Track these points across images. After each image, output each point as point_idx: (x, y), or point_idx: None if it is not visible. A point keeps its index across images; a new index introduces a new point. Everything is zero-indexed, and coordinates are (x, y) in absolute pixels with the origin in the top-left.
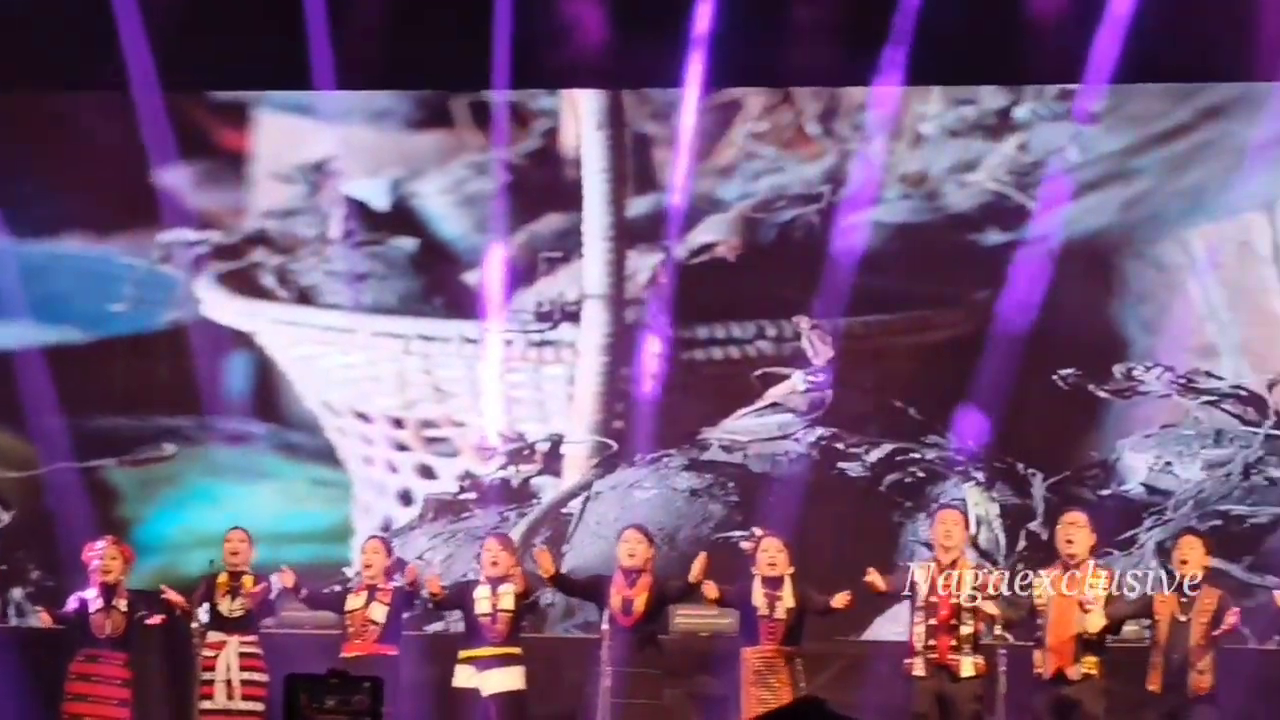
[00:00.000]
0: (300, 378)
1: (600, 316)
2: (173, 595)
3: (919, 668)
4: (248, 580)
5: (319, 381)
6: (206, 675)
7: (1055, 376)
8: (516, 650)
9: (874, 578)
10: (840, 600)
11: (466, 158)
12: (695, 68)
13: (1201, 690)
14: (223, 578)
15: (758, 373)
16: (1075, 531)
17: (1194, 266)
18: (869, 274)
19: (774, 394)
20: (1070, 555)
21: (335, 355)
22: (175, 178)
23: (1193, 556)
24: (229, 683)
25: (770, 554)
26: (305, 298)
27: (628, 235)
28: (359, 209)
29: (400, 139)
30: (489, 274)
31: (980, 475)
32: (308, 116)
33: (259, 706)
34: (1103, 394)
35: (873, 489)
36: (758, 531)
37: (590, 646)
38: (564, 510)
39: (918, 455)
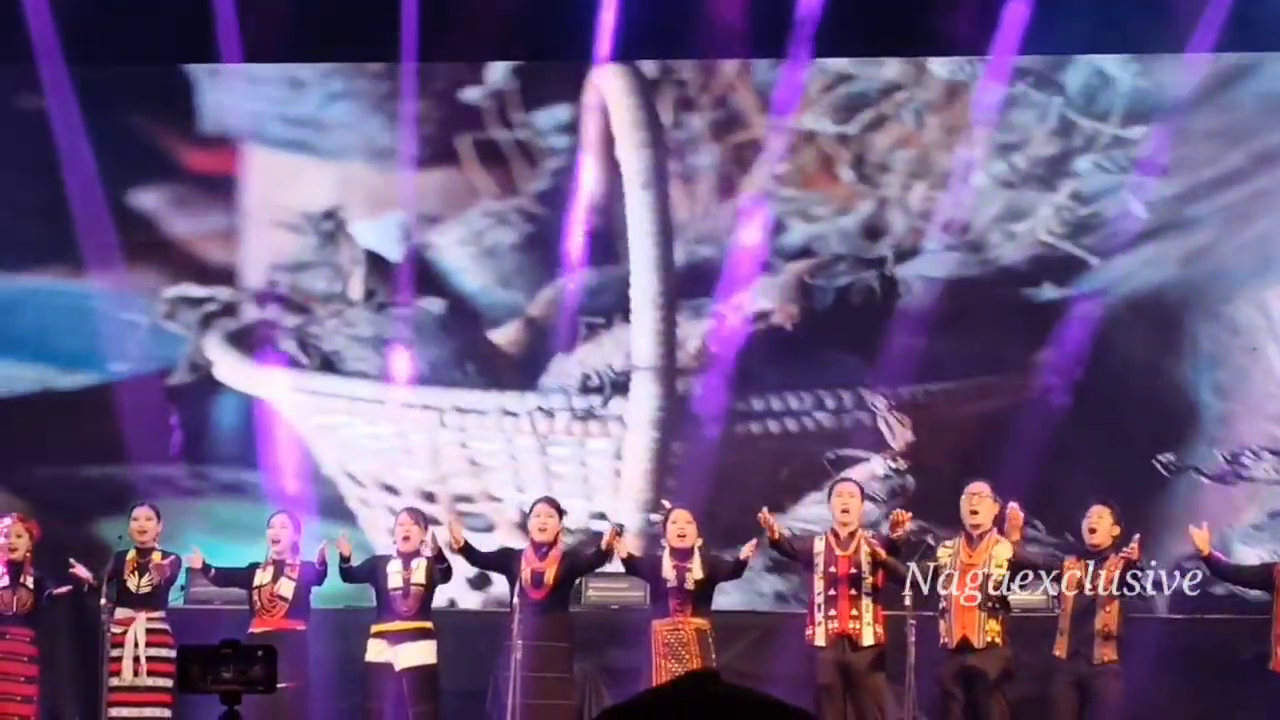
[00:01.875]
0: (321, 446)
1: (650, 388)
2: (80, 570)
3: (819, 638)
4: (156, 556)
5: (342, 451)
6: (114, 651)
7: (1155, 462)
8: (428, 624)
9: (766, 515)
10: (747, 550)
11: (483, 205)
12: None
13: (1107, 658)
14: (131, 554)
15: (830, 454)
16: (979, 502)
17: (1272, 329)
18: (921, 336)
19: None
20: (975, 525)
21: (360, 425)
22: (152, 205)
23: (1101, 527)
24: (137, 659)
25: (679, 526)
26: (328, 364)
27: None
28: (373, 260)
29: (404, 179)
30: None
31: None
32: (303, 154)
33: (167, 682)
34: (1206, 481)
35: None
36: (667, 504)
37: (501, 620)
38: None
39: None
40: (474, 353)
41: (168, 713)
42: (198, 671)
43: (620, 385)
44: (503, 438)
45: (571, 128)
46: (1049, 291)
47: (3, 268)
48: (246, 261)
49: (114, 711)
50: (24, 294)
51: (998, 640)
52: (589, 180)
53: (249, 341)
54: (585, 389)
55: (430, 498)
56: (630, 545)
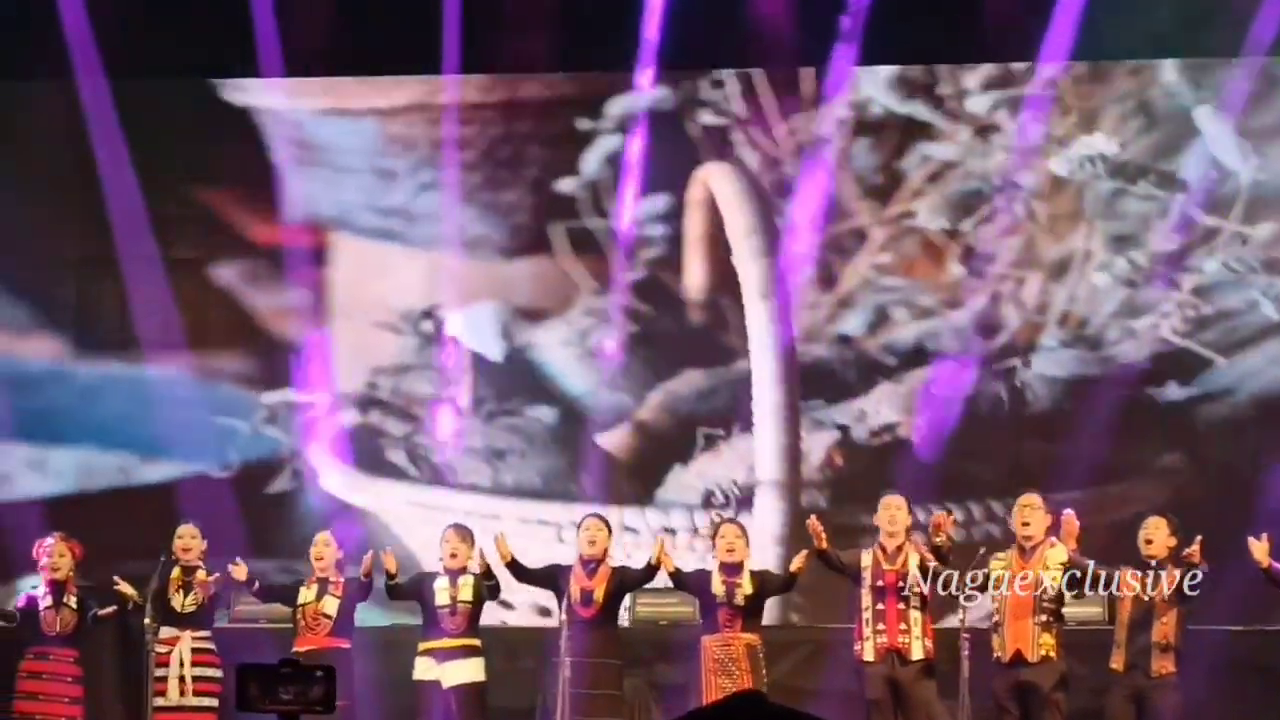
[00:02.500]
0: (430, 559)
1: (775, 504)
2: (125, 587)
3: (868, 652)
4: (200, 574)
5: None
6: (159, 671)
7: None
8: (476, 641)
9: (814, 522)
10: (798, 562)
11: (585, 303)
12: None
13: (1165, 670)
14: (175, 573)
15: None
16: (1031, 514)
17: None
18: (1046, 441)
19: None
20: (1026, 538)
21: None
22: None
23: (1158, 537)
24: (182, 679)
25: (729, 540)
26: (439, 478)
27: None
28: (475, 362)
29: (495, 269)
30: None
31: None
32: (392, 242)
33: (213, 702)
34: None
35: None
36: (717, 518)
37: (550, 636)
38: None
39: None
40: (587, 463)
41: None
42: (256, 691)
43: (744, 501)
44: (621, 553)
45: (669, 217)
46: (1174, 391)
47: (89, 351)
48: (342, 361)
49: None
50: (105, 380)
51: (1052, 654)
52: (693, 278)
53: (355, 451)
54: (708, 505)
55: (544, 613)
56: None
